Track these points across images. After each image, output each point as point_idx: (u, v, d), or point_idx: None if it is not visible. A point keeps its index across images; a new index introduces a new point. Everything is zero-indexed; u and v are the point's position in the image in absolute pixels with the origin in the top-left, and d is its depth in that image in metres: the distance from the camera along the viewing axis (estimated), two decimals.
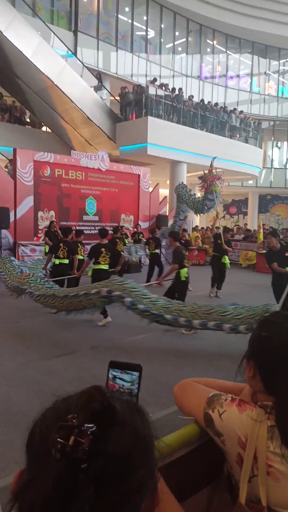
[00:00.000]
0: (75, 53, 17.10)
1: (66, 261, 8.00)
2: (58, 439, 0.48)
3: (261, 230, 16.86)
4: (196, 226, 20.70)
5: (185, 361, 5.19)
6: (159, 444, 0.61)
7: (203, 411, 1.05)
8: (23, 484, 0.50)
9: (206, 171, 11.17)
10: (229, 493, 1.05)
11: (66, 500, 0.46)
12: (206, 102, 19.24)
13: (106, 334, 6.38)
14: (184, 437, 1.07)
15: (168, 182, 18.23)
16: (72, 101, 14.90)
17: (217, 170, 11.57)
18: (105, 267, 7.20)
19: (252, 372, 1.04)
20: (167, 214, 17.08)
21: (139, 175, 16.12)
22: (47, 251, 11.57)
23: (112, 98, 18.15)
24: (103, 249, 7.20)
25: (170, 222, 16.87)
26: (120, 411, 0.55)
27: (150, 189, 16.74)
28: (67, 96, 14.74)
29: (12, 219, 12.37)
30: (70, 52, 16.52)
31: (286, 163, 27.48)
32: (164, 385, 4.11)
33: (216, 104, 20.10)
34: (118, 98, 17.13)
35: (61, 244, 8.09)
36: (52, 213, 13.63)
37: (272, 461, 0.90)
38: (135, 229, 14.46)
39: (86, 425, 0.49)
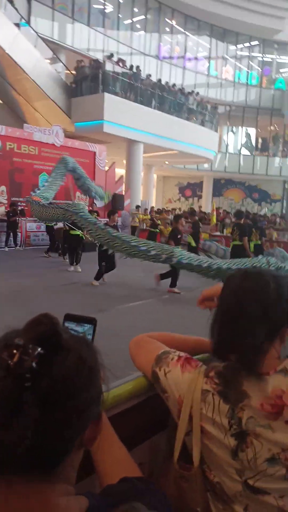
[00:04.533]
0: (28, 22, 16.32)
1: None
2: (2, 356, 0.50)
3: (215, 213, 17.21)
4: (152, 207, 20.62)
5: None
6: (108, 395, 0.64)
7: (151, 368, 1.08)
8: None
9: None
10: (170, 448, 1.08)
11: (10, 416, 0.48)
12: (164, 83, 19.10)
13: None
14: (133, 389, 1.12)
15: (124, 161, 18.05)
16: (25, 72, 14.27)
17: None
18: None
19: (220, 334, 1.00)
20: (123, 193, 16.94)
21: (95, 153, 15.84)
22: None
23: (68, 72, 17.57)
24: None
25: (127, 201, 16.82)
26: (66, 338, 0.56)
27: (106, 168, 16.51)
28: (20, 66, 14.08)
29: None
30: (23, 21, 15.74)
31: (240, 148, 28.01)
32: None
33: (174, 85, 20.01)
34: (74, 72, 16.60)
35: None
36: (3, 188, 13.14)
37: (204, 423, 0.94)
38: (90, 208, 14.23)
39: (31, 345, 0.51)
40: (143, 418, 1.15)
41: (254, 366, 0.92)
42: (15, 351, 0.50)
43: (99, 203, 15.04)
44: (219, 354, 1.00)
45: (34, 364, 0.49)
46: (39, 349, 0.51)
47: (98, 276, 8.18)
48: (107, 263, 8.02)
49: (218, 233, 16.06)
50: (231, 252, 9.43)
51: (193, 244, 10.22)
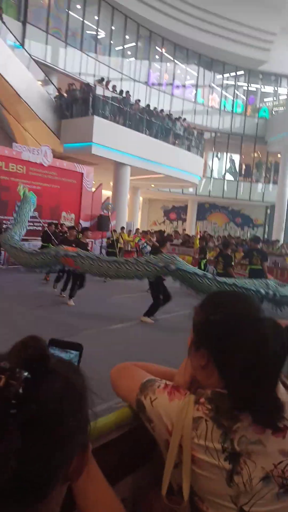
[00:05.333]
0: (22, 44, 16.66)
1: None
2: None
3: (198, 236, 17.46)
4: (137, 229, 20.87)
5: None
6: (95, 425, 0.61)
7: (135, 397, 1.03)
8: None
9: None
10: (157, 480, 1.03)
11: None
12: (152, 108, 19.60)
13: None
14: (117, 420, 1.07)
15: (111, 183, 18.29)
16: (17, 93, 14.50)
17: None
18: None
19: (205, 361, 0.97)
20: (109, 214, 17.10)
21: (82, 174, 16.03)
22: None
23: (59, 94, 17.87)
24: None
25: (113, 222, 16.97)
26: (54, 362, 0.55)
27: (93, 189, 16.70)
28: (12, 87, 14.31)
29: None
30: (17, 43, 16.07)
31: (225, 174, 28.65)
32: None
33: (162, 110, 20.52)
34: (65, 94, 16.91)
35: None
36: None
37: (196, 452, 0.89)
38: (75, 229, 14.29)
39: (18, 369, 0.49)
40: (126, 451, 1.09)
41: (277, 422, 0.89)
42: (1, 375, 0.48)
43: (84, 223, 15.18)
44: (240, 406, 0.91)
45: (20, 390, 0.48)
46: (26, 373, 0.49)
47: (152, 311, 7.39)
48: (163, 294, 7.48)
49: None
50: (249, 276, 9.14)
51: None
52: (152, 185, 24.49)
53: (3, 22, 15.01)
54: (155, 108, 20.05)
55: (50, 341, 0.83)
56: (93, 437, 0.93)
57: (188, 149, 20.99)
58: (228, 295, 1.08)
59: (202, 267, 11.52)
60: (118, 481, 1.05)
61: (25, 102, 14.85)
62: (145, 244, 13.92)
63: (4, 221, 12.98)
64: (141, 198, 28.26)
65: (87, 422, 0.58)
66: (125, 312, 8.01)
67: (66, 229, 12.10)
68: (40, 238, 12.41)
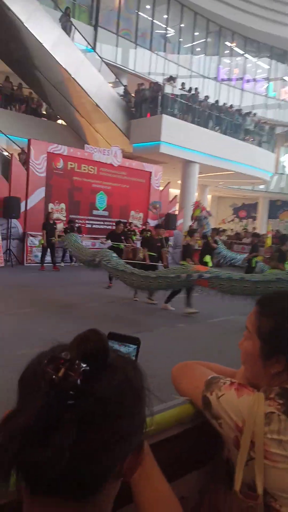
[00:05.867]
0: (94, 48, 17.14)
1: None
2: (48, 369, 0.48)
3: (270, 235, 16.84)
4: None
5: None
6: (152, 421, 0.61)
7: (201, 393, 1.02)
8: (7, 416, 0.48)
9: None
10: (226, 477, 1.02)
11: (48, 433, 0.45)
12: (221, 104, 19.23)
13: None
14: (178, 416, 1.05)
15: (179, 181, 18.24)
16: (89, 95, 14.95)
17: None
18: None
19: (282, 367, 0.98)
20: (177, 213, 17.09)
21: (150, 173, 16.14)
22: (42, 242, 11.79)
23: (129, 94, 18.18)
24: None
25: (179, 221, 16.92)
26: (113, 356, 0.55)
27: (161, 188, 16.76)
28: (84, 90, 14.78)
29: (22, 209, 12.45)
30: (89, 47, 16.57)
31: None
32: None
33: (231, 106, 20.08)
34: (133, 94, 17.15)
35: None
36: (63, 205, 13.69)
37: (269, 446, 0.88)
38: (143, 227, 14.46)
39: (77, 361, 0.49)
40: (187, 448, 1.06)
41: None
42: (61, 365, 0.48)
43: (152, 222, 15.29)
44: None
45: (78, 381, 0.47)
46: (84, 365, 0.49)
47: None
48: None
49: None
50: None
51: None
52: (221, 182, 24.04)
53: (76, 29, 15.56)
54: (224, 103, 19.65)
55: (109, 334, 0.84)
56: (151, 432, 0.92)
57: (259, 144, 20.31)
58: None
59: (254, 264, 11.02)
60: (176, 479, 1.02)
61: (96, 104, 15.27)
62: (206, 217, 13.83)
63: (76, 220, 13.45)
64: (209, 196, 27.86)
65: (143, 420, 0.57)
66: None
67: (152, 228, 12.26)
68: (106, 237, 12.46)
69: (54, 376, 0.47)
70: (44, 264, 12.02)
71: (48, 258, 12.25)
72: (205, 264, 9.69)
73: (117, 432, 0.50)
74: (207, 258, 10.04)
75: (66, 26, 14.64)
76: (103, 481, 0.51)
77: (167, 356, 4.62)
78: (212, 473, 1.13)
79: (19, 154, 14.18)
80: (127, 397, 0.53)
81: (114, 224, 12.81)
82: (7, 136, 14.22)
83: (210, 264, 9.98)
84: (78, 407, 0.47)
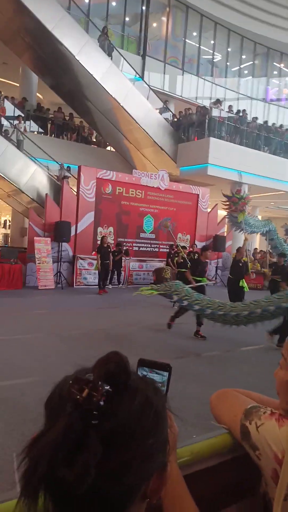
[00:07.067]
0: (142, 76, 17.68)
1: None
2: (72, 390, 0.50)
3: None
4: (255, 249, 20.21)
5: None
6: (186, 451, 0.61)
7: (239, 422, 0.98)
8: (35, 438, 0.50)
9: (235, 192, 11.28)
10: None
11: (73, 452, 0.46)
12: (270, 124, 19.01)
13: None
14: (215, 446, 1.00)
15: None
16: (136, 122, 15.36)
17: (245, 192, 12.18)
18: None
19: None
20: (225, 234, 16.89)
21: (198, 195, 16.16)
22: (98, 266, 11.95)
23: (176, 120, 18.47)
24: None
25: (228, 243, 16.68)
26: (134, 378, 0.56)
27: (209, 209, 16.69)
28: (132, 117, 15.22)
29: (73, 233, 12.88)
30: (137, 76, 17.12)
31: None
32: None
33: (281, 126, 19.79)
34: (181, 119, 17.40)
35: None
36: (111, 229, 14.00)
37: None
38: (190, 249, 14.41)
39: (100, 382, 0.50)
40: (225, 481, 1.00)
41: None
42: (84, 386, 0.49)
43: (199, 244, 15.20)
44: None
45: (102, 402, 0.49)
46: (107, 387, 0.50)
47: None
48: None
49: None
50: None
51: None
52: (272, 203, 23.53)
53: (125, 59, 16.19)
54: (273, 123, 19.42)
55: (139, 361, 0.83)
56: (187, 461, 0.91)
57: None
58: None
59: None
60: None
61: (144, 130, 15.65)
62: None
63: (124, 243, 13.68)
64: (260, 217, 27.28)
65: (166, 442, 0.58)
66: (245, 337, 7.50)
67: (197, 249, 12.00)
68: (164, 260, 12.29)
69: (78, 396, 0.49)
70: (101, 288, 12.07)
71: (95, 279, 12.47)
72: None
73: (140, 452, 0.51)
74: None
75: (104, 45, 15.15)
76: (128, 501, 0.51)
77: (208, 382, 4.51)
78: (250, 508, 1.08)
79: (59, 170, 14.73)
80: (148, 417, 0.53)
81: (161, 246, 12.96)
82: (60, 164, 14.85)
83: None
84: (102, 426, 0.48)
